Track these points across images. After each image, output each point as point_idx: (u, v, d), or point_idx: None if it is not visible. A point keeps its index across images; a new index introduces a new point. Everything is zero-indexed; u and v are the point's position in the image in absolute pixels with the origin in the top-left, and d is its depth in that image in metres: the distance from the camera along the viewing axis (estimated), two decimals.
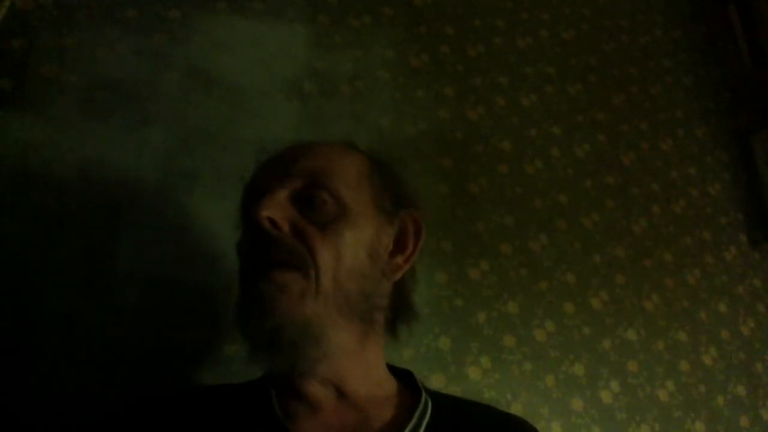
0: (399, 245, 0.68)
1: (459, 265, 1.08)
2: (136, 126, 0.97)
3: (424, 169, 1.15)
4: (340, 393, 0.62)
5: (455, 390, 0.96)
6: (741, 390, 1.17)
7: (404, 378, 0.70)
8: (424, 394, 0.65)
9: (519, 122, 1.28)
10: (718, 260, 1.32)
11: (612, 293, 1.17)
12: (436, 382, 0.96)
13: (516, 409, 0.98)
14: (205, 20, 1.10)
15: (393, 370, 0.70)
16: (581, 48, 1.46)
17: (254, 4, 1.15)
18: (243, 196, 0.69)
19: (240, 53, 1.10)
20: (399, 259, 0.67)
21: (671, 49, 1.60)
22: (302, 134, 1.07)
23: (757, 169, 1.47)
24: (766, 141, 1.48)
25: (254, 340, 0.60)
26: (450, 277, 1.06)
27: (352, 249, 0.61)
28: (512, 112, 1.29)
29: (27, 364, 0.78)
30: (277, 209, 0.60)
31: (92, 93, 0.97)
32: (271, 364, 0.61)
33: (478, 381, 0.99)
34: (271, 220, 0.60)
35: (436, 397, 0.67)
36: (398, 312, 0.70)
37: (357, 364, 0.63)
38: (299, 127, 1.08)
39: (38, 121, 0.91)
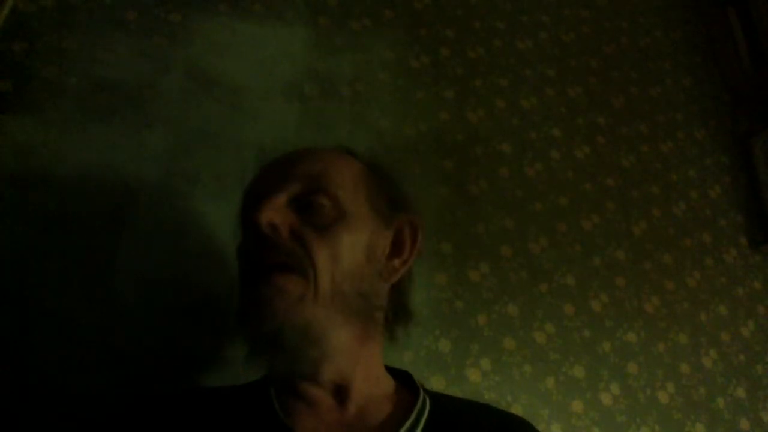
0: (396, 249, 0.69)
1: (459, 267, 1.08)
2: (136, 128, 0.97)
3: (424, 171, 1.15)
4: (339, 391, 0.63)
5: (455, 392, 0.96)
6: (741, 392, 1.17)
7: (402, 379, 0.71)
8: (422, 393, 0.66)
9: (519, 124, 1.29)
10: (718, 262, 1.32)
11: (612, 295, 1.17)
12: (436, 384, 0.96)
13: (516, 411, 0.98)
14: (205, 22, 1.10)
15: (391, 371, 0.71)
16: (581, 50, 1.47)
17: (255, 7, 1.15)
18: (242, 200, 0.70)
19: (240, 55, 1.10)
20: (396, 263, 0.68)
21: (671, 51, 1.60)
22: (302, 136, 1.07)
23: (756, 171, 1.47)
24: (765, 143, 1.48)
25: (254, 342, 0.61)
26: (450, 279, 1.06)
27: (350, 251, 0.62)
28: (512, 114, 1.29)
29: (28, 365, 0.78)
30: (276, 213, 0.61)
31: (93, 95, 0.97)
32: (271, 367, 0.62)
33: (478, 383, 0.99)
34: (271, 224, 0.61)
35: (435, 396, 0.68)
36: (395, 315, 0.71)
37: (357, 363, 0.64)
38: (299, 129, 1.08)
39: (39, 123, 0.91)
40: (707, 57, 1.65)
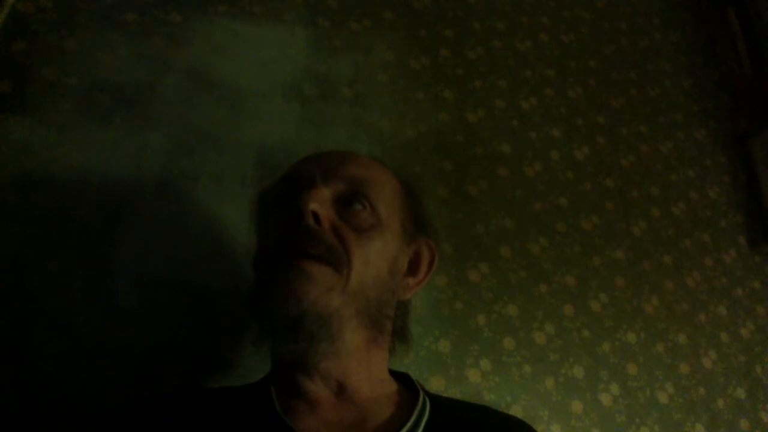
0: (412, 268, 0.72)
1: (459, 267, 1.08)
2: (136, 129, 0.97)
3: (424, 171, 1.15)
4: (341, 390, 0.63)
5: (455, 392, 0.96)
6: (741, 392, 1.17)
7: (402, 380, 0.71)
8: (422, 394, 0.66)
9: (519, 125, 1.29)
10: (717, 263, 1.32)
11: (611, 296, 1.17)
12: (436, 384, 0.96)
13: (516, 412, 0.98)
14: (205, 23, 1.10)
15: (391, 373, 0.72)
16: (581, 51, 1.47)
17: (254, 8, 1.15)
18: (278, 183, 0.71)
19: (240, 56, 1.10)
20: (410, 281, 0.71)
21: (671, 52, 1.60)
22: (302, 137, 1.07)
23: (756, 171, 1.47)
24: (765, 143, 1.48)
25: (272, 323, 0.61)
26: (450, 279, 1.06)
27: (378, 259, 0.65)
28: (512, 115, 1.29)
29: (27, 367, 0.78)
30: (321, 205, 0.63)
31: (92, 96, 0.97)
32: (282, 350, 0.63)
33: (477, 383, 0.99)
34: (315, 214, 0.62)
35: (435, 397, 0.69)
36: (399, 332, 0.73)
37: (361, 365, 0.65)
38: (299, 130, 1.08)
39: (38, 124, 0.91)
40: (707, 58, 1.65)
